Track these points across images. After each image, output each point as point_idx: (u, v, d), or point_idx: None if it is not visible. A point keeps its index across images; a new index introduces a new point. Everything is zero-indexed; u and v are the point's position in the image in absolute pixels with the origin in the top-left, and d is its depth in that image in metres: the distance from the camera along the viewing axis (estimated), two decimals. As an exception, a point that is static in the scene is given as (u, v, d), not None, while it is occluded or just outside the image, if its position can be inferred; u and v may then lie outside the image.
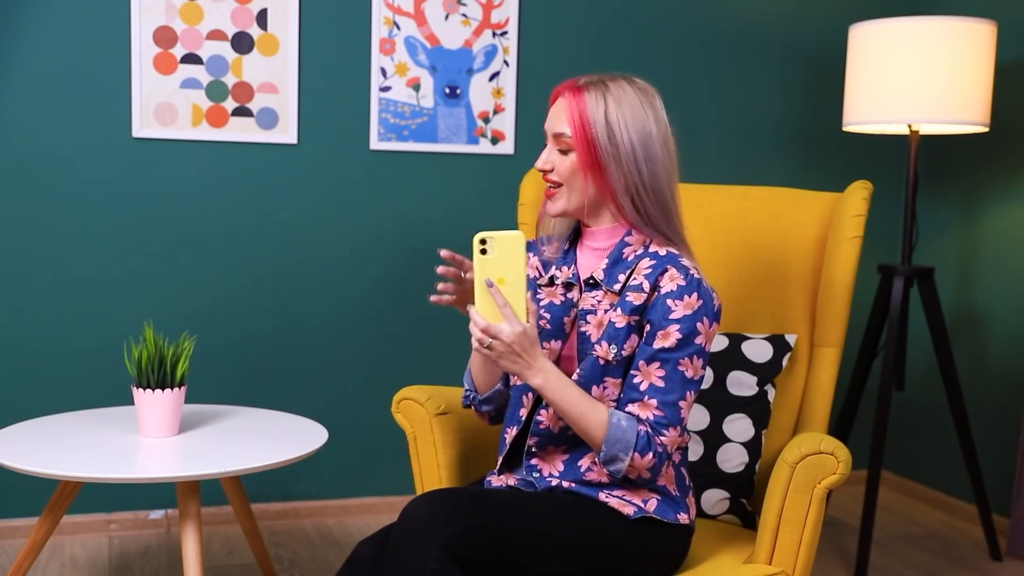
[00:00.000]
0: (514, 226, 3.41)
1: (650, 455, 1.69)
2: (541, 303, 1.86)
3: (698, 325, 1.72)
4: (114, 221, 3.06)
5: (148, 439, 2.30)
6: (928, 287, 3.09)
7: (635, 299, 1.75)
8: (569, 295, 1.84)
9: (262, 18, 3.11)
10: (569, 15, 3.39)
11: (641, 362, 1.72)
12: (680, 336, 1.71)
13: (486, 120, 3.33)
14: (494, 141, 3.34)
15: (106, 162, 3.04)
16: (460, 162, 3.34)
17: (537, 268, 1.90)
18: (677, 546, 1.82)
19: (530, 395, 1.85)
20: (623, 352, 1.74)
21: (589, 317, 1.78)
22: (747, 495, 2.17)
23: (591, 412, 1.70)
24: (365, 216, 3.27)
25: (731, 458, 2.16)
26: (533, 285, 1.89)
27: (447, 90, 3.28)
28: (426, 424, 2.07)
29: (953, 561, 3.12)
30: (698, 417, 2.19)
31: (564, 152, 1.76)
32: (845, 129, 3.23)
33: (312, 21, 3.16)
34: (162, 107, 3.05)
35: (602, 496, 1.78)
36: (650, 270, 1.75)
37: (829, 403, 2.25)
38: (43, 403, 3.04)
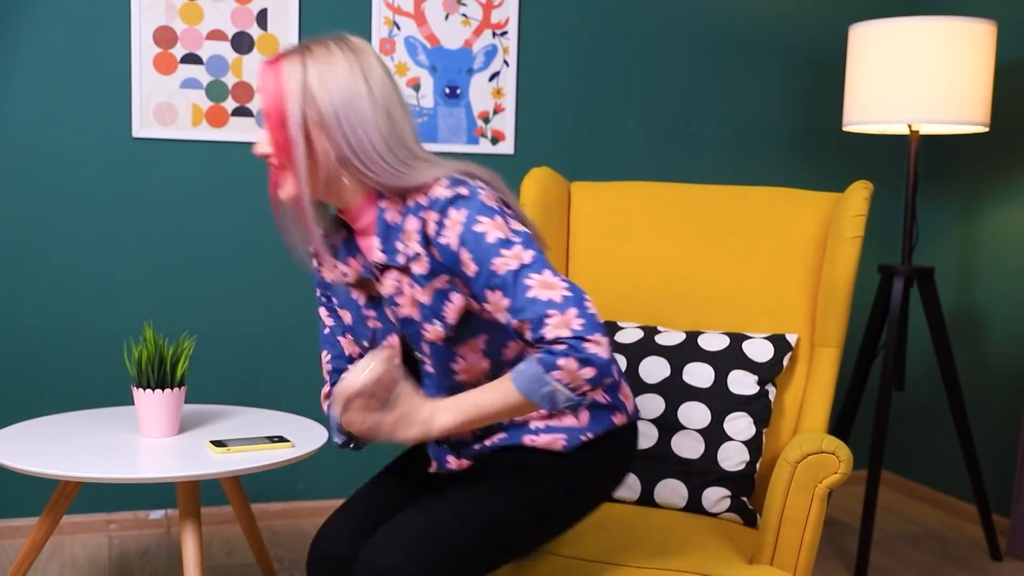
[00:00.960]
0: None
1: (560, 361, 1.47)
2: (359, 300, 1.72)
3: (475, 228, 1.52)
4: (114, 221, 3.06)
5: (148, 439, 2.30)
6: (928, 287, 3.09)
7: (421, 268, 1.59)
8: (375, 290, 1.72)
9: (262, 18, 3.11)
10: (569, 15, 3.39)
11: (483, 304, 1.55)
12: (472, 254, 1.52)
13: (486, 120, 3.33)
14: (494, 141, 3.34)
15: (106, 162, 3.04)
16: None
17: (339, 269, 1.73)
18: (623, 447, 1.76)
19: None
20: (448, 321, 1.60)
21: (399, 299, 1.64)
22: (748, 493, 2.17)
23: (501, 394, 1.51)
24: (365, 216, 3.27)
25: (732, 456, 2.16)
26: (343, 292, 1.74)
27: (447, 90, 3.28)
28: (427, 424, 2.07)
29: (953, 561, 3.12)
30: (699, 415, 2.19)
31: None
32: (845, 129, 3.23)
33: (312, 21, 3.16)
34: (162, 107, 3.05)
35: (527, 440, 1.69)
36: (418, 234, 1.58)
37: (829, 403, 2.25)
38: (43, 403, 3.04)
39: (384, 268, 1.63)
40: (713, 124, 3.58)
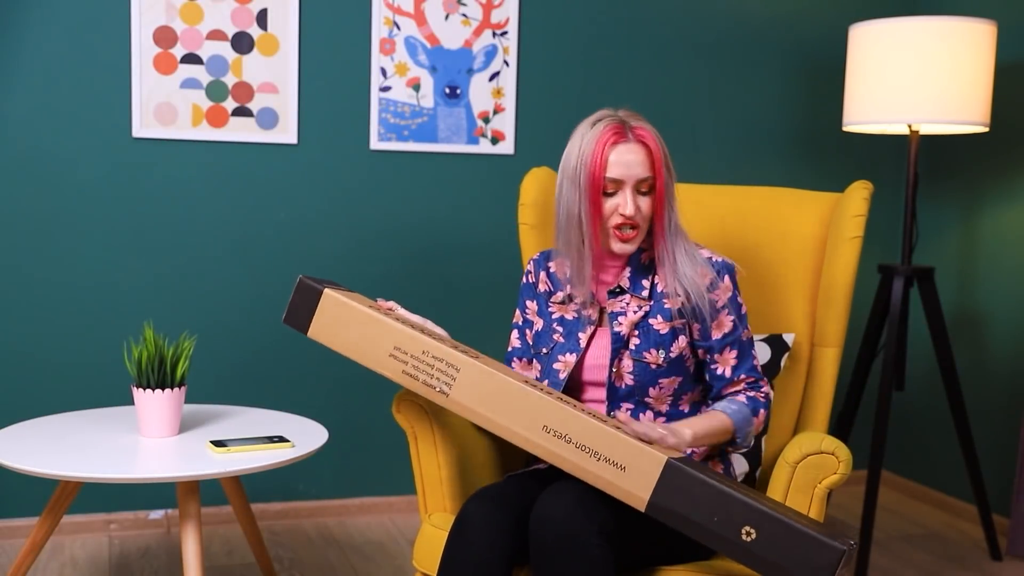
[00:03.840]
0: (514, 226, 3.41)
1: (761, 411, 1.95)
2: (552, 316, 2.04)
3: (738, 298, 1.97)
4: (114, 221, 3.06)
5: (148, 439, 2.30)
6: (928, 287, 3.09)
7: (672, 304, 1.94)
8: (585, 312, 1.99)
9: (262, 18, 3.11)
10: (569, 15, 3.39)
11: (714, 355, 1.96)
12: (733, 318, 1.95)
13: (486, 120, 3.33)
14: (494, 141, 3.34)
15: (106, 162, 3.04)
16: (460, 162, 3.34)
17: (546, 282, 2.07)
18: None
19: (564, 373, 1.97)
20: (671, 355, 1.93)
21: (620, 319, 1.95)
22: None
23: (718, 426, 1.89)
24: (365, 216, 3.27)
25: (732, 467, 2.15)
26: (544, 299, 2.07)
27: (447, 90, 3.28)
28: (427, 424, 2.07)
29: (953, 561, 3.12)
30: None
31: (645, 193, 1.91)
32: (845, 129, 3.23)
33: (312, 21, 3.16)
34: (162, 107, 3.05)
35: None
36: (684, 277, 1.93)
37: (829, 403, 2.25)
38: (43, 403, 3.04)
39: (617, 293, 1.97)
40: (713, 124, 3.58)
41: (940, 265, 3.62)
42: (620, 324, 1.94)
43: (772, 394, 1.96)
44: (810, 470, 1.84)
